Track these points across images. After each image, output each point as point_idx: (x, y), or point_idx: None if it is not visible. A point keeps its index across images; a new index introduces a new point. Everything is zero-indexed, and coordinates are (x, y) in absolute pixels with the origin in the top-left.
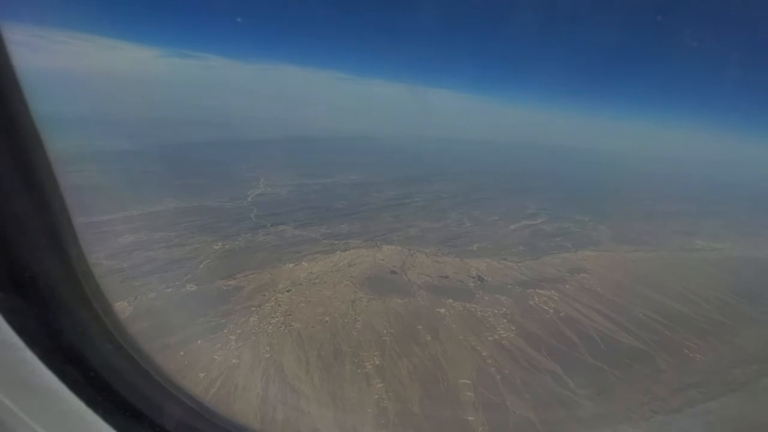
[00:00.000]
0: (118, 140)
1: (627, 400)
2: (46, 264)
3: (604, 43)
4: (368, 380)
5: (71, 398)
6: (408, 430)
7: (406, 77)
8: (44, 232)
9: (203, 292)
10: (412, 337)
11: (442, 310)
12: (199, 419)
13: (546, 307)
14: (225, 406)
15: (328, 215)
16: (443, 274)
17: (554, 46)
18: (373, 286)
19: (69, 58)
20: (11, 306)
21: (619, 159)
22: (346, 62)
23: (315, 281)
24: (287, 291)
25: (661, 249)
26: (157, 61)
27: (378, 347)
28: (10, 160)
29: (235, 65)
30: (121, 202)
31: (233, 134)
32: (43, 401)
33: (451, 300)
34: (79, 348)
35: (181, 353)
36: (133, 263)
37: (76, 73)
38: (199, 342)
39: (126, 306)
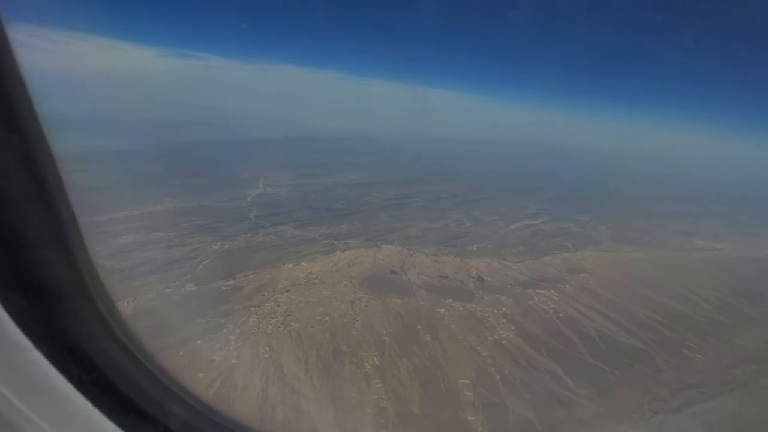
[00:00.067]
0: (117, 140)
1: (627, 400)
2: (52, 265)
3: (602, 43)
4: (368, 380)
5: (78, 398)
6: (408, 430)
7: (405, 77)
8: (51, 233)
9: (203, 292)
10: (412, 337)
11: (442, 310)
12: (204, 419)
13: (546, 307)
14: (224, 406)
15: (327, 215)
16: (443, 274)
17: (553, 46)
18: (373, 286)
19: (67, 57)
20: (18, 306)
21: (619, 159)
22: (345, 62)
23: (314, 281)
24: (287, 291)
25: (661, 249)
26: (156, 60)
27: (377, 347)
28: (18, 162)
29: (234, 65)
30: (120, 202)
31: (233, 134)
32: (51, 401)
33: (450, 300)
34: (85, 348)
35: (181, 353)
36: (132, 263)
37: (74, 73)
38: (198, 342)
39: (125, 306)
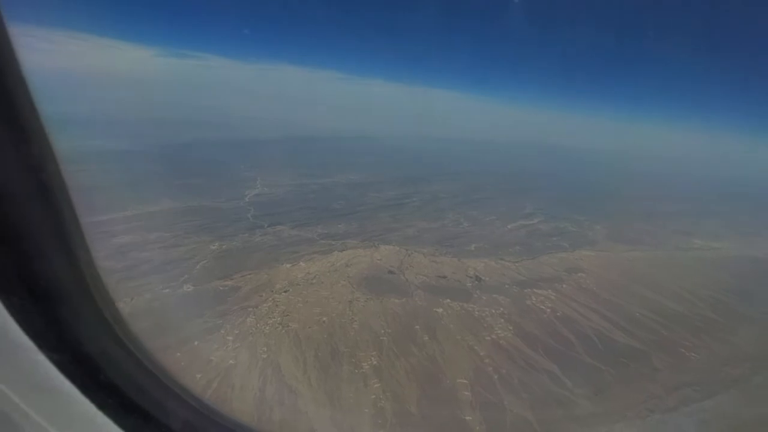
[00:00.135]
0: (115, 140)
1: (623, 399)
2: (55, 266)
3: (601, 43)
4: (365, 380)
5: (82, 400)
6: (405, 430)
7: (405, 77)
8: (54, 235)
9: (200, 293)
10: (410, 337)
11: (440, 310)
12: (206, 420)
13: (543, 307)
14: (222, 406)
15: (325, 215)
16: (441, 274)
17: (552, 46)
18: (371, 286)
19: (65, 57)
20: (22, 308)
21: (617, 159)
22: (345, 62)
23: (312, 281)
24: (284, 291)
25: (658, 248)
26: (155, 60)
27: (375, 347)
28: (21, 163)
29: (233, 65)
30: (117, 202)
31: (231, 134)
32: (55, 403)
33: (448, 300)
34: (88, 350)
35: (178, 354)
36: (129, 264)
37: (72, 73)
38: (196, 343)
39: (122, 307)
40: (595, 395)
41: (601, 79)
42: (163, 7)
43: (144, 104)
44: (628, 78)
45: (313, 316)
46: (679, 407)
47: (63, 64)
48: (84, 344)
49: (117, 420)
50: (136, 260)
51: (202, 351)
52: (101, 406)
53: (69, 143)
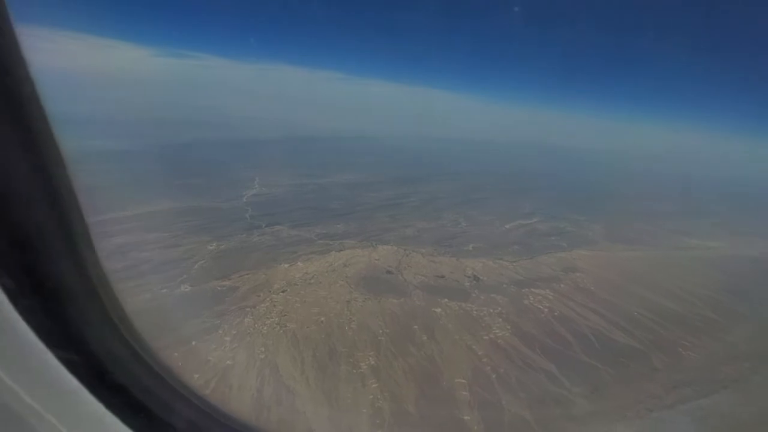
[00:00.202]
0: (112, 140)
1: (621, 399)
2: (63, 267)
3: (600, 43)
4: (364, 380)
5: (91, 400)
6: (404, 430)
7: (405, 77)
8: (62, 236)
9: (198, 293)
10: (408, 336)
11: (438, 310)
12: (213, 421)
13: (541, 307)
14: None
15: (323, 215)
16: (439, 274)
17: (551, 47)
18: (369, 286)
19: (62, 57)
20: (31, 308)
21: (616, 159)
22: (344, 62)
23: (310, 281)
24: (282, 291)
25: (655, 248)
26: (152, 60)
27: (373, 347)
28: (29, 164)
29: (231, 65)
30: (115, 202)
31: (229, 134)
32: (65, 402)
33: (446, 300)
34: (96, 350)
35: (176, 354)
36: (127, 264)
37: (69, 73)
38: (193, 343)
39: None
40: (592, 394)
41: (601, 79)
42: (160, 7)
43: (141, 104)
44: (628, 78)
45: (311, 316)
46: (677, 406)
47: (60, 63)
48: (92, 344)
49: (124, 419)
50: (134, 260)
51: (200, 351)
52: (109, 405)
53: (66, 143)
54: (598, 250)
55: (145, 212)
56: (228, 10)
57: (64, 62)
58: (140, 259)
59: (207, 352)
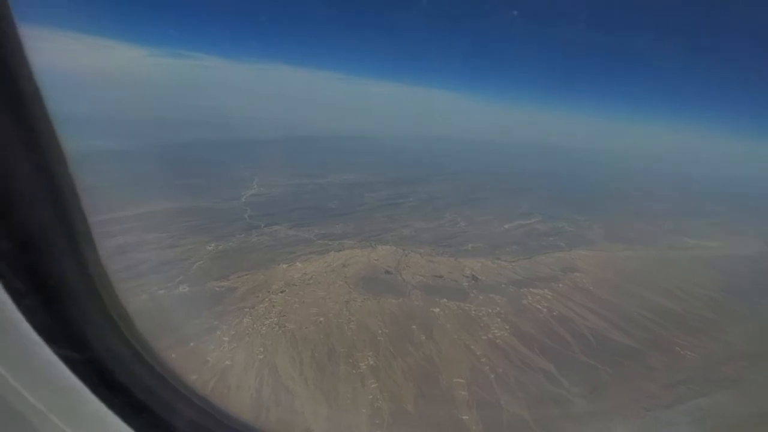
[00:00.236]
0: (110, 140)
1: (620, 398)
2: (65, 267)
3: (600, 43)
4: (362, 380)
5: (93, 400)
6: (402, 430)
7: (404, 78)
8: (64, 235)
9: (196, 294)
10: (407, 336)
11: (437, 310)
12: (215, 422)
13: (539, 306)
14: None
15: (322, 215)
16: (437, 274)
17: (551, 47)
18: (368, 287)
19: (58, 57)
20: (33, 308)
21: (615, 158)
22: (343, 62)
23: (309, 282)
24: (281, 292)
25: (653, 248)
26: (149, 60)
27: (372, 347)
28: (31, 163)
29: (229, 65)
30: (113, 203)
31: (229, 134)
32: (67, 402)
33: (445, 299)
34: (99, 350)
35: (174, 355)
36: (125, 264)
37: (66, 72)
38: (192, 344)
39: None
40: (591, 394)
41: (600, 79)
42: (159, 7)
43: (140, 104)
44: (627, 78)
45: (310, 316)
46: (675, 405)
47: (57, 63)
48: (94, 344)
49: (126, 419)
50: (132, 261)
51: (199, 352)
52: (111, 404)
53: (67, 143)
54: (596, 250)
55: (144, 212)
56: (227, 11)
57: (63, 62)
58: (138, 259)
59: (205, 353)
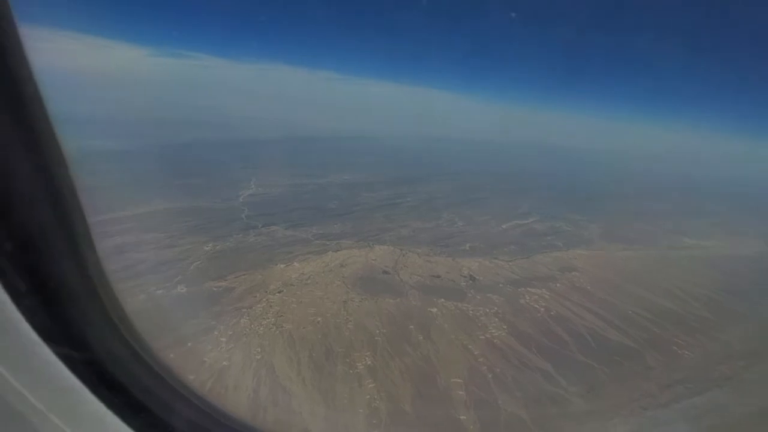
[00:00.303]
0: (109, 140)
1: (617, 397)
2: (65, 267)
3: (599, 44)
4: (360, 380)
5: (92, 400)
6: (400, 430)
7: (404, 78)
8: (63, 236)
9: (194, 294)
10: (404, 336)
11: (434, 310)
12: (213, 422)
13: (537, 306)
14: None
15: (320, 215)
16: (435, 274)
17: (551, 47)
18: (365, 287)
19: (58, 57)
20: (35, 310)
21: (613, 158)
22: (342, 62)
23: (307, 282)
24: (279, 292)
25: (651, 247)
26: (148, 60)
27: (370, 347)
28: (31, 163)
29: (228, 65)
30: (110, 203)
31: (228, 134)
32: (67, 402)
33: (443, 299)
34: (98, 351)
35: (171, 356)
36: (122, 265)
37: (65, 73)
38: (189, 344)
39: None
40: (588, 393)
41: (599, 80)
42: (158, 7)
43: (139, 104)
44: (626, 78)
45: (308, 316)
46: (672, 405)
47: (54, 62)
48: (93, 344)
49: (125, 419)
50: (130, 261)
51: (196, 352)
52: (110, 404)
53: (66, 143)
54: (594, 250)
55: (142, 212)
56: (227, 11)
57: (63, 62)
58: (136, 259)
59: (203, 353)
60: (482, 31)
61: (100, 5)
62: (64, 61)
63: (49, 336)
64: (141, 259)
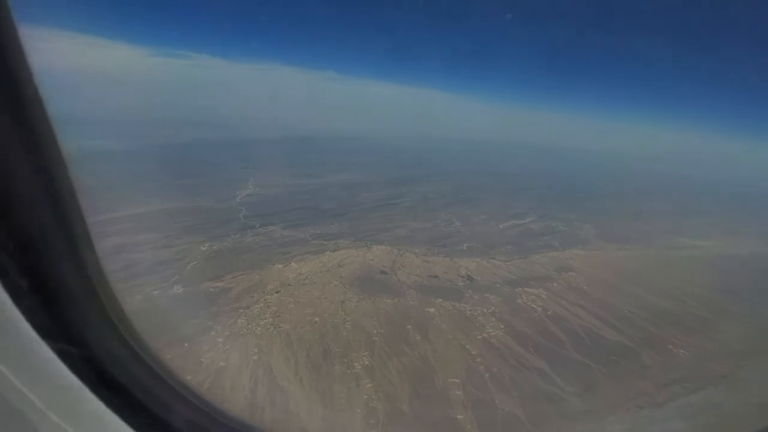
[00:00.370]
0: (105, 140)
1: (613, 396)
2: (65, 268)
3: (598, 44)
4: (358, 380)
5: (92, 399)
6: (397, 430)
7: (403, 78)
8: (63, 236)
9: (190, 294)
10: (402, 336)
11: (432, 310)
12: (213, 421)
13: (534, 306)
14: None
15: (318, 216)
16: (433, 274)
17: (550, 47)
18: (363, 287)
19: (58, 57)
20: (35, 310)
21: (612, 159)
22: (342, 63)
23: (304, 282)
24: (276, 292)
25: (647, 247)
26: (146, 60)
27: (368, 347)
28: (30, 164)
29: (229, 65)
30: (107, 203)
31: (226, 134)
32: (66, 400)
33: (440, 299)
34: (98, 350)
35: (168, 356)
36: (119, 265)
37: (65, 73)
38: (186, 345)
39: (128, 308)
40: (585, 392)
41: (599, 80)
42: (157, 7)
43: (138, 104)
44: (626, 78)
45: (305, 316)
46: (668, 403)
47: (57, 63)
48: (92, 344)
49: (124, 418)
50: (126, 261)
51: (193, 353)
52: (109, 404)
53: (65, 143)
54: (591, 250)
55: (139, 213)
56: (227, 11)
57: (63, 62)
58: (133, 260)
59: (200, 354)
60: (480, 32)
61: (100, 5)
62: (64, 61)
63: (48, 335)
64: (138, 260)
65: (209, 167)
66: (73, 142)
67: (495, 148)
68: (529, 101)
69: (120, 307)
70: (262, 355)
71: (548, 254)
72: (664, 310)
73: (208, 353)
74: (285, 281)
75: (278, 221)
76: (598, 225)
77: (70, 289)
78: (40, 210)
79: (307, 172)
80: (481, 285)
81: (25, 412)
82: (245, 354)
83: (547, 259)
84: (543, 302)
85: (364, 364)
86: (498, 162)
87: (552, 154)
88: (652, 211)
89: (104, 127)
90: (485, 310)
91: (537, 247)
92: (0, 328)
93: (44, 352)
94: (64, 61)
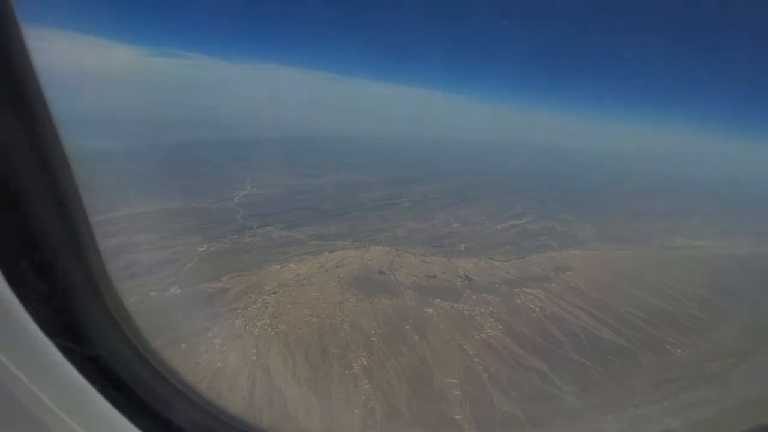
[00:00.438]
0: (103, 140)
1: (610, 395)
2: (71, 268)
3: (597, 44)
4: (356, 381)
5: (98, 399)
6: (396, 430)
7: (402, 78)
8: (68, 236)
9: (188, 295)
10: (400, 337)
11: (430, 310)
12: (217, 422)
13: (532, 306)
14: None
15: (316, 216)
16: (431, 274)
17: (550, 47)
18: (361, 287)
19: (58, 57)
20: (41, 310)
21: (610, 159)
22: (341, 63)
23: (302, 282)
24: (274, 293)
25: (645, 247)
26: (148, 60)
27: (366, 348)
28: (35, 165)
29: (228, 65)
30: (104, 203)
31: (226, 134)
32: (75, 401)
33: (438, 300)
34: (104, 350)
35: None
36: (116, 266)
37: (65, 73)
38: (183, 346)
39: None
40: (582, 392)
41: (598, 80)
42: (157, 7)
43: (138, 104)
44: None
45: (303, 317)
46: (663, 401)
47: (57, 63)
48: (98, 343)
49: (130, 417)
50: (122, 262)
51: (190, 354)
52: (115, 403)
53: (67, 143)
54: (589, 250)
55: (137, 213)
56: (227, 11)
57: (63, 62)
58: (130, 260)
59: (197, 355)
60: (480, 32)
61: (100, 5)
62: (66, 61)
63: (56, 335)
64: (135, 260)
65: (209, 167)
66: (78, 142)
67: (494, 149)
68: (529, 101)
69: (124, 307)
70: (260, 356)
71: (546, 254)
72: (661, 310)
73: (206, 354)
74: (283, 282)
75: (277, 222)
76: (597, 225)
77: (75, 289)
78: (45, 210)
79: (306, 172)
80: (479, 285)
81: (35, 412)
82: (243, 355)
83: (545, 259)
84: (541, 302)
85: (363, 365)
86: (497, 162)
87: (551, 155)
88: (650, 211)
89: (104, 127)
90: (483, 311)
91: (535, 247)
92: (9, 329)
93: (52, 352)
94: (64, 61)
